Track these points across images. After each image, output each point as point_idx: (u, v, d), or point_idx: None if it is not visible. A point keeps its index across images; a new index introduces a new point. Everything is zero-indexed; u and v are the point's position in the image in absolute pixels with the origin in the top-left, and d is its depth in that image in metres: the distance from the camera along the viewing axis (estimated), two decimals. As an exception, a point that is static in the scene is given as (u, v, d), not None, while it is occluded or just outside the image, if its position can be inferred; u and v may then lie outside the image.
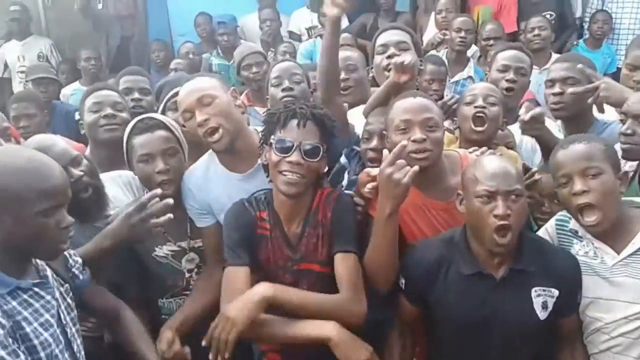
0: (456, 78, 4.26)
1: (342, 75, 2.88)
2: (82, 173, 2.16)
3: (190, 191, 2.27)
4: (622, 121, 2.14)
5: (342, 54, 3.00)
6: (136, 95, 3.13)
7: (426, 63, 3.74)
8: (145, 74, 3.39)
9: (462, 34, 4.27)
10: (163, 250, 2.32)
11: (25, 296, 1.54)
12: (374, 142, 2.28)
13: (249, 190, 2.19)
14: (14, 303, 1.49)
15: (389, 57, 2.58)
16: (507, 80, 2.88)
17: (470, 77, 4.25)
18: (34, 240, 1.53)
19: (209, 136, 2.12)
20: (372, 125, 2.31)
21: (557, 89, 2.58)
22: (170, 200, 2.01)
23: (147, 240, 2.08)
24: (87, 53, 5.09)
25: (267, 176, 2.07)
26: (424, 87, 3.62)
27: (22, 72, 5.55)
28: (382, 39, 2.71)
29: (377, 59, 2.68)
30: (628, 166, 2.18)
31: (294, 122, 1.95)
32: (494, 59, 3.04)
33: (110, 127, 2.68)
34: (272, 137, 1.97)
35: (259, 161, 2.17)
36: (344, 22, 5.24)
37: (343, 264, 1.99)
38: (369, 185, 2.02)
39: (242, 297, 1.89)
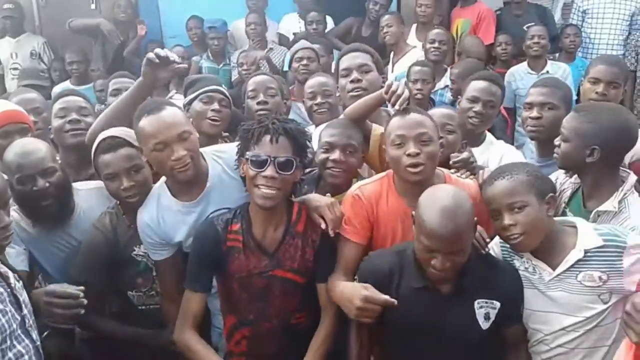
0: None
1: (319, 100, 3.04)
2: (47, 185, 2.28)
3: (149, 226, 2.31)
4: None
5: (318, 79, 3.13)
6: None
7: (411, 65, 4.00)
8: (131, 76, 3.57)
9: (436, 44, 4.44)
10: (141, 249, 2.43)
11: None
12: (337, 154, 2.40)
13: (202, 214, 2.29)
14: None
15: (352, 81, 2.73)
16: (474, 111, 2.94)
17: (447, 86, 4.38)
18: None
19: (180, 169, 2.18)
20: (336, 137, 2.43)
21: (535, 113, 2.71)
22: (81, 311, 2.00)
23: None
24: (70, 57, 5.23)
25: (245, 187, 2.18)
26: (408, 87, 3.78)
27: (14, 68, 5.65)
28: (344, 62, 2.84)
29: (342, 81, 2.82)
30: (568, 182, 2.35)
31: (267, 137, 2.07)
32: (467, 85, 3.10)
33: (75, 132, 2.79)
34: (247, 152, 2.09)
35: (207, 184, 2.29)
36: (330, 24, 5.43)
37: (327, 294, 2.20)
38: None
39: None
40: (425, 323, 2.00)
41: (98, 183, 2.54)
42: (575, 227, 2.02)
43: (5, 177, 1.77)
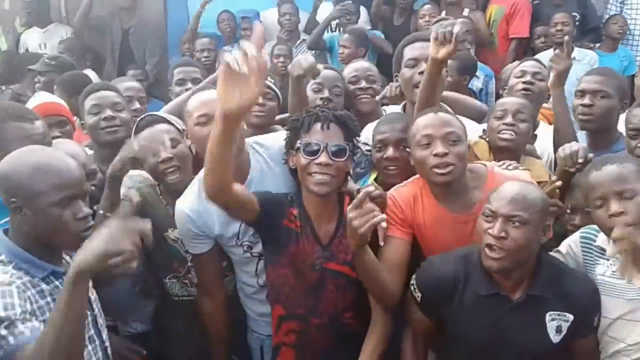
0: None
1: (363, 84, 2.91)
2: (92, 188, 2.21)
3: (188, 216, 2.24)
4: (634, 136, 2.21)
5: (361, 63, 3.06)
6: (189, 85, 3.38)
7: None
8: (196, 64, 3.70)
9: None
10: (174, 233, 2.38)
11: (57, 282, 1.67)
12: (390, 151, 2.33)
13: None
14: (47, 287, 1.64)
15: (421, 73, 2.39)
16: (523, 82, 2.91)
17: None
18: (53, 230, 1.65)
19: None
20: (387, 134, 2.36)
21: (587, 101, 2.61)
22: None
23: None
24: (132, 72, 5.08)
25: (295, 180, 2.14)
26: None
27: (42, 59, 5.64)
28: (412, 51, 2.53)
29: (407, 72, 2.52)
30: None
31: (318, 125, 2.03)
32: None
33: (111, 130, 2.72)
34: (299, 141, 2.04)
35: (249, 175, 2.23)
36: (363, 15, 5.38)
37: None
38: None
39: None
40: (491, 334, 1.88)
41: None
42: None
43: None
